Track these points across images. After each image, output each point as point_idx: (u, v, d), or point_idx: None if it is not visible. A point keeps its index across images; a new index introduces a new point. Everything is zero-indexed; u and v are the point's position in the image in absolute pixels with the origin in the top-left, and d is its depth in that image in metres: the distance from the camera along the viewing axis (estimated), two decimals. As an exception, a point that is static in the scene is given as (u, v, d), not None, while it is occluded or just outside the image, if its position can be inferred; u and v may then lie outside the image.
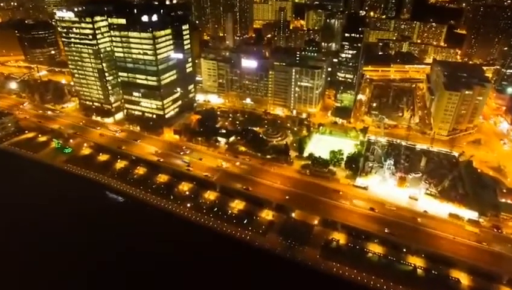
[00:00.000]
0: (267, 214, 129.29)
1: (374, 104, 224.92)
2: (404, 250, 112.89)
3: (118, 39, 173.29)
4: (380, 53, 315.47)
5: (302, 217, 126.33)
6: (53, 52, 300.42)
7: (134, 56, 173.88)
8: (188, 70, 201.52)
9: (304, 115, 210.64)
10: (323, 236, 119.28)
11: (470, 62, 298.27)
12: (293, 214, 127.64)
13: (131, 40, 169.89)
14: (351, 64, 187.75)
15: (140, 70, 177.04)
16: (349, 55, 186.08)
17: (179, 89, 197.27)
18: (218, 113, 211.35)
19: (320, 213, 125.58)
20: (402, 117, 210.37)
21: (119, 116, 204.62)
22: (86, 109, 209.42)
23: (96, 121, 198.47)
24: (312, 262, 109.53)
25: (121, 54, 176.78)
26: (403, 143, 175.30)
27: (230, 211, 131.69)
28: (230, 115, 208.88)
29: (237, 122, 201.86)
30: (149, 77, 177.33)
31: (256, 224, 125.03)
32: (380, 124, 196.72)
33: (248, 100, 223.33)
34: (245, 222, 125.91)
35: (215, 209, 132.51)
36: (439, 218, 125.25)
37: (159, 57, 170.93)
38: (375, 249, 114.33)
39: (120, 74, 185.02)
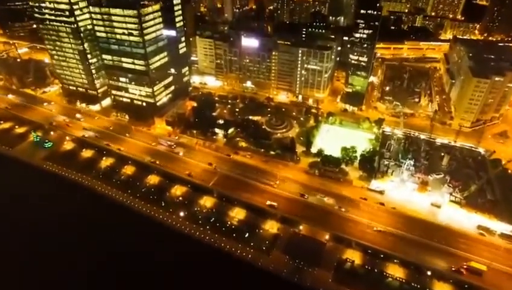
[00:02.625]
0: (272, 227, 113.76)
1: (387, 88, 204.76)
2: (429, 273, 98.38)
3: (99, 17, 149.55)
4: (392, 27, 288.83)
5: (311, 231, 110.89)
6: (35, 26, 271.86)
7: (118, 37, 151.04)
8: (181, 51, 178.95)
9: (311, 101, 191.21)
10: (336, 254, 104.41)
11: (492, 38, 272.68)
12: (301, 227, 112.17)
13: (113, 18, 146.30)
14: (365, 45, 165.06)
15: (126, 52, 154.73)
16: (364, 35, 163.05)
17: (172, 70, 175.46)
18: (216, 98, 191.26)
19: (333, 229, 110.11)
20: (419, 104, 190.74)
21: (107, 102, 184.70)
22: (69, 95, 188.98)
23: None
24: (324, 288, 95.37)
25: (103, 34, 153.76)
26: (422, 136, 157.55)
27: (229, 222, 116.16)
28: (229, 101, 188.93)
29: (237, 109, 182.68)
30: (136, 61, 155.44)
31: (259, 239, 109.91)
32: (399, 114, 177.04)
33: (249, 83, 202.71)
34: (246, 235, 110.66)
35: (212, 219, 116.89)
36: (467, 233, 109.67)
37: (146, 38, 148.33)
38: (395, 272, 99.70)
39: (104, 56, 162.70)
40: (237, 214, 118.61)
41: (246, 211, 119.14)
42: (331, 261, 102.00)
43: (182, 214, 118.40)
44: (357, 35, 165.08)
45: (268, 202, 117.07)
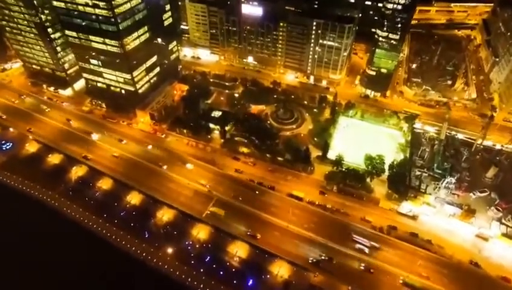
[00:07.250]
0: (281, 270, 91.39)
1: (414, 66, 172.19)
2: None
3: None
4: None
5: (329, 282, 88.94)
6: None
7: (80, 8, 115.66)
8: (166, 22, 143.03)
9: (324, 83, 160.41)
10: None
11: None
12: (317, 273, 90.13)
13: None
14: (399, 19, 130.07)
15: (94, 29, 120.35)
16: (399, 6, 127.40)
17: (159, 41, 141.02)
18: (211, 80, 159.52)
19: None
20: (452, 88, 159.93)
21: (80, 85, 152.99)
22: (33, 76, 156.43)
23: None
24: None
25: (62, 5, 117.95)
26: (460, 136, 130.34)
27: (228, 262, 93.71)
28: (227, 83, 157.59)
29: (236, 95, 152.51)
30: (108, 40, 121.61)
31: (267, 288, 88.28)
32: (430, 102, 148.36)
33: (250, 59, 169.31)
34: (250, 283, 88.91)
35: (208, 258, 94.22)
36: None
37: (117, 10, 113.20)
38: None
39: (67, 32, 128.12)
40: (238, 251, 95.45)
41: (249, 246, 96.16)
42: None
43: (170, 250, 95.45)
44: (390, 6, 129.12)
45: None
